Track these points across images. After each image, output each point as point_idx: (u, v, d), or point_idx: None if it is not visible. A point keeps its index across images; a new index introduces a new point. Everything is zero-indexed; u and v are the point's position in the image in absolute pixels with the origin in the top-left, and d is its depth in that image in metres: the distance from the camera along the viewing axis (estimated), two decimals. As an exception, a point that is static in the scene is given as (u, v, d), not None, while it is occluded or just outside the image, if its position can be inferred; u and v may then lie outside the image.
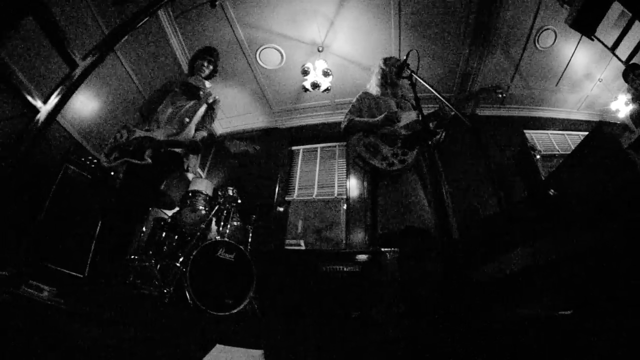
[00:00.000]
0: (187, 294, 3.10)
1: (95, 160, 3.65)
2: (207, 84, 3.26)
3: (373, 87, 3.17)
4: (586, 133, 5.77)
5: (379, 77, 3.12)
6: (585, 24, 2.74)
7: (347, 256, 3.99)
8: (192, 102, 3.07)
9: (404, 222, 2.32)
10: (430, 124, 2.61)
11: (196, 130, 3.09)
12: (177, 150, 2.89)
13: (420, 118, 2.27)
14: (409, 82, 2.44)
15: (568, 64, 5.68)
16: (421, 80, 2.34)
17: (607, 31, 2.91)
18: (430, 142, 2.15)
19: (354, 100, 3.12)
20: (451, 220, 2.28)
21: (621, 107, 5.58)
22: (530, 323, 2.19)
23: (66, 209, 3.18)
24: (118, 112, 4.65)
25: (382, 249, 3.06)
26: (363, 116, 2.95)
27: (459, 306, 1.71)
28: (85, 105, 4.23)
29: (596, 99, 6.20)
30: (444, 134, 2.70)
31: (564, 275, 2.50)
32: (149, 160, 2.68)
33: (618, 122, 5.50)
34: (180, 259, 3.56)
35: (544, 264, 2.68)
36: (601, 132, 2.86)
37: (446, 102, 2.18)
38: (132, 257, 3.29)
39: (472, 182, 5.07)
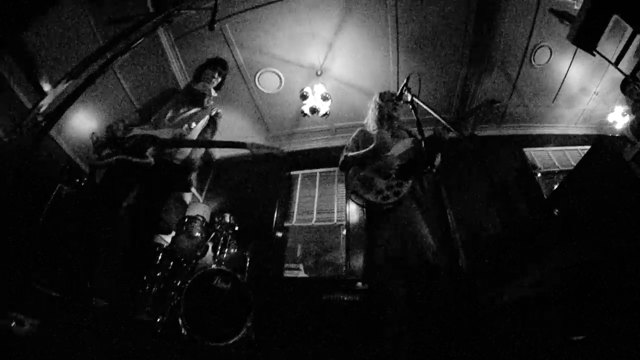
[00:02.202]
0: (181, 324, 2.99)
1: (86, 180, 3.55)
2: (214, 92, 3.17)
3: (370, 123, 3.16)
4: (585, 147, 5.85)
5: (376, 112, 3.11)
6: (586, 40, 2.75)
7: (348, 284, 3.91)
8: (195, 109, 2.97)
9: (403, 259, 2.23)
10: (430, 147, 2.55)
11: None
12: (178, 162, 2.75)
13: (415, 144, 2.23)
14: (411, 106, 2.41)
15: (564, 80, 5.68)
16: (422, 105, 2.30)
17: (601, 43, 2.92)
18: (427, 170, 2.09)
19: (350, 139, 3.10)
20: (457, 248, 2.20)
21: (618, 119, 5.59)
22: (544, 348, 2.10)
23: (59, 231, 3.07)
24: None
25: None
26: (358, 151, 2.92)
27: (468, 333, 1.62)
28: (83, 123, 4.20)
29: (593, 112, 6.21)
30: (439, 158, 2.65)
31: (574, 300, 2.41)
32: (151, 160, 2.48)
33: (617, 135, 5.46)
34: (176, 287, 3.48)
35: (552, 289, 2.59)
36: (602, 146, 2.82)
37: (448, 126, 2.13)
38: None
39: (475, 204, 5.01)
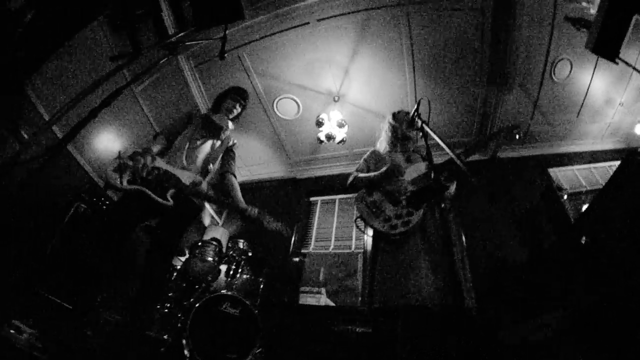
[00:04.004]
0: (185, 345, 2.99)
1: (107, 202, 3.64)
2: (231, 125, 3.13)
3: (382, 145, 3.06)
4: (613, 163, 5.51)
5: (389, 133, 3.00)
6: (607, 47, 2.55)
7: (361, 314, 3.77)
8: (211, 142, 2.95)
9: (402, 297, 2.08)
10: (442, 176, 2.36)
11: (222, 173, 3.02)
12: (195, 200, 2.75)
13: (429, 170, 2.14)
14: (420, 133, 2.33)
15: (587, 93, 5.35)
16: (431, 132, 2.21)
17: (623, 48, 2.63)
18: (439, 198, 1.99)
19: (362, 159, 3.02)
20: (464, 289, 2.04)
21: (647, 131, 5.22)
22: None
23: (74, 246, 3.10)
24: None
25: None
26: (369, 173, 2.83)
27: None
28: (104, 144, 4.33)
29: (619, 124, 5.79)
30: (454, 187, 2.53)
31: (601, 338, 2.22)
32: (171, 202, 2.46)
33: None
34: (184, 308, 3.48)
35: (579, 327, 2.39)
36: (632, 163, 2.56)
37: (453, 155, 1.98)
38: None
39: (495, 231, 4.77)
